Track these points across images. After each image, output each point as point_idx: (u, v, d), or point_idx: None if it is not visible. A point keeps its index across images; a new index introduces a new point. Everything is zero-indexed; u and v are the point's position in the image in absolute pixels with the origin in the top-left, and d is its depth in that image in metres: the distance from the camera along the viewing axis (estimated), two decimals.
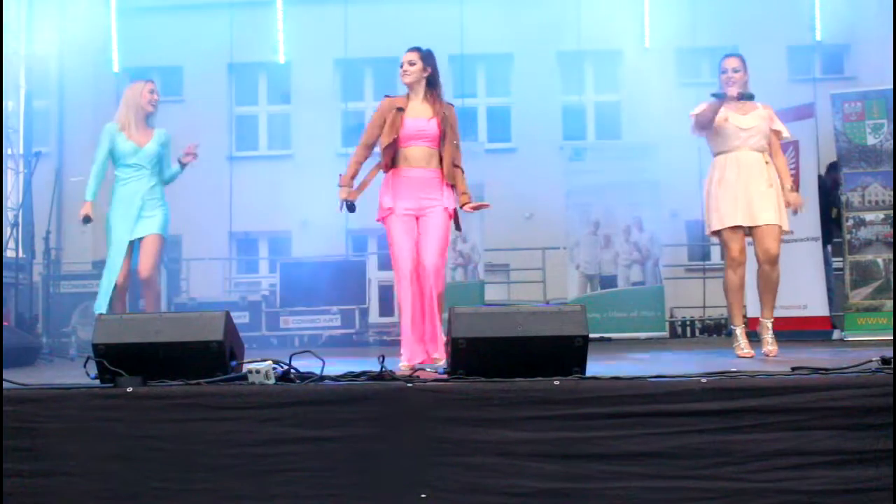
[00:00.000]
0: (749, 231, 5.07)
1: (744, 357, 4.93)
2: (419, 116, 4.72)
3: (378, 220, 4.81)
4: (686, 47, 12.68)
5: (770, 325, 5.10)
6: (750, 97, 5.00)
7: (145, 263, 5.39)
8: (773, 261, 5.05)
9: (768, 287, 5.10)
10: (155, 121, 5.61)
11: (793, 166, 7.87)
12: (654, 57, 12.38)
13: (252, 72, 13.95)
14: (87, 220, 5.37)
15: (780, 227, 5.05)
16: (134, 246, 5.47)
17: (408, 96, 4.78)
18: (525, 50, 13.03)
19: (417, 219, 4.72)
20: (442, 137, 4.70)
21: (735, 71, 5.06)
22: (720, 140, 5.11)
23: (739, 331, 5.08)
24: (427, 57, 4.75)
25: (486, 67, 13.89)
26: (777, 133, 5.15)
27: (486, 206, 4.96)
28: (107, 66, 12.36)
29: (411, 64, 4.72)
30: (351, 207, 4.83)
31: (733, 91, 4.97)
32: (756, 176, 5.02)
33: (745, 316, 5.19)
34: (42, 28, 10.01)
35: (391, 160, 4.73)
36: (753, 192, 5.00)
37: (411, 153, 4.70)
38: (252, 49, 12.63)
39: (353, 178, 4.83)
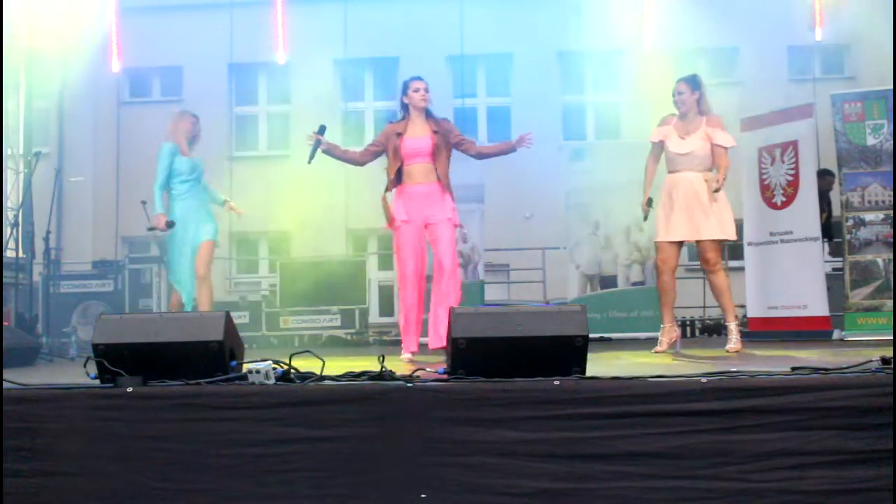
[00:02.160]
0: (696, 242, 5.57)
1: (658, 352, 5.43)
2: (417, 136, 5.32)
3: (389, 227, 5.44)
4: (686, 47, 12.67)
5: (734, 327, 5.51)
6: (650, 203, 5.60)
7: (201, 262, 6.25)
8: (714, 269, 5.53)
9: (717, 291, 5.57)
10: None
11: (792, 166, 7.88)
12: (654, 57, 12.37)
13: (252, 72, 13.96)
14: (170, 224, 6.17)
15: (717, 239, 5.49)
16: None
17: (408, 120, 5.37)
18: (525, 50, 13.03)
19: (426, 226, 5.37)
20: (436, 152, 5.29)
21: (679, 94, 5.54)
22: (666, 161, 5.60)
23: (666, 329, 5.60)
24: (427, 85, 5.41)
25: (486, 67, 13.89)
26: (720, 147, 5.49)
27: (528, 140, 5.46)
28: (107, 66, 12.35)
29: (427, 91, 5.34)
30: (320, 130, 5.42)
31: (645, 207, 5.62)
32: (700, 195, 5.43)
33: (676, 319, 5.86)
34: (42, 28, 10.01)
35: (396, 177, 5.36)
36: (696, 210, 5.43)
37: (413, 170, 5.33)
38: (252, 49, 12.59)
39: (334, 148, 5.52)
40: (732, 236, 5.56)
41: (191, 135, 6.47)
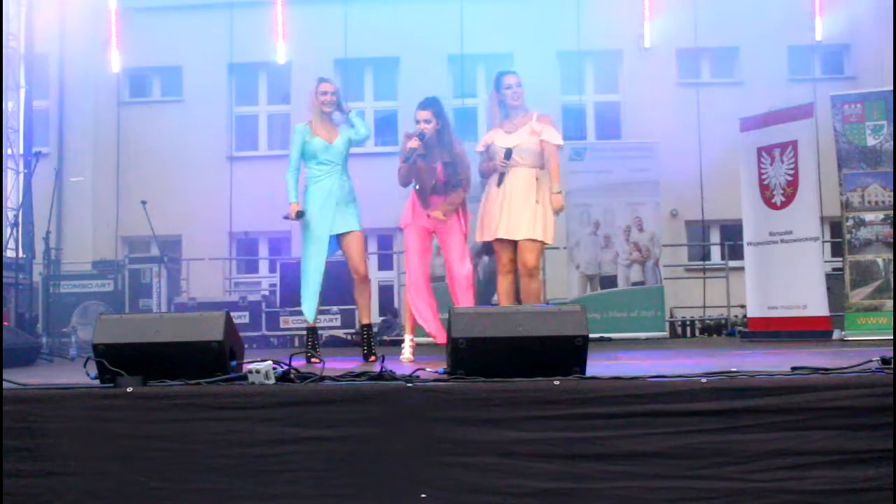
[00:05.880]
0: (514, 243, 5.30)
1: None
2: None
3: (400, 227, 5.53)
4: (686, 47, 12.68)
5: None
6: (508, 154, 5.25)
7: (358, 261, 5.44)
8: (531, 273, 5.28)
9: (528, 298, 5.29)
10: (337, 118, 5.57)
11: (792, 166, 7.88)
12: (654, 57, 12.39)
13: (252, 72, 13.95)
14: (300, 214, 5.33)
15: (540, 242, 5.27)
16: (331, 240, 5.47)
17: None
18: (525, 50, 13.01)
19: (435, 231, 5.43)
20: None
21: (519, 86, 5.43)
22: (491, 160, 5.40)
23: None
24: (439, 111, 5.32)
25: (486, 67, 13.86)
26: (546, 143, 5.34)
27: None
28: (107, 66, 12.35)
29: (426, 122, 5.26)
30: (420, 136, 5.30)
31: (501, 162, 5.26)
32: (523, 193, 5.27)
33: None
34: (42, 28, 10.00)
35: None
36: (516, 208, 5.24)
37: None
38: (252, 49, 12.62)
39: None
40: (551, 241, 5.38)
41: (322, 105, 5.42)
